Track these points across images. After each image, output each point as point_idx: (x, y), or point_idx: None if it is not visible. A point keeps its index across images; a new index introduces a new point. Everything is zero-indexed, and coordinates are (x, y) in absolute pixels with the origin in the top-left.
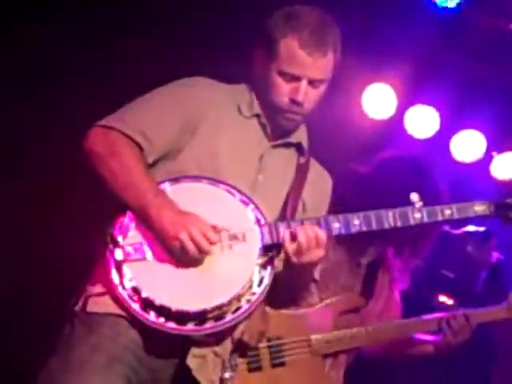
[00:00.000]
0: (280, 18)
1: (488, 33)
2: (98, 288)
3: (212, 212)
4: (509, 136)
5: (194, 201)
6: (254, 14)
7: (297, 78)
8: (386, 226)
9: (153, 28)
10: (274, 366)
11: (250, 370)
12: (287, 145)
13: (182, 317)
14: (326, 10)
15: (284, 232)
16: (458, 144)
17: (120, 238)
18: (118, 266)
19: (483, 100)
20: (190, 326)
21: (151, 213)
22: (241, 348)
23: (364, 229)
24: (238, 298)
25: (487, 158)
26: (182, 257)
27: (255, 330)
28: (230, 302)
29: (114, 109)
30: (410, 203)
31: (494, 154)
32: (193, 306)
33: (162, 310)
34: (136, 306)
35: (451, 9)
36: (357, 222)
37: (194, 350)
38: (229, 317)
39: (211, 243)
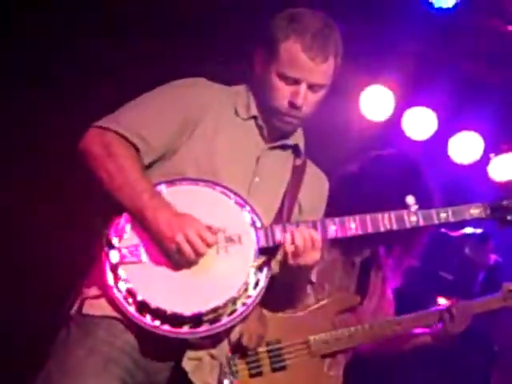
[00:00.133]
0: (282, 19)
1: (486, 34)
2: (93, 290)
3: (208, 214)
4: (506, 137)
5: (191, 203)
6: (254, 14)
7: (296, 82)
8: (382, 229)
9: (153, 28)
10: (275, 370)
11: (251, 376)
12: (284, 147)
13: (177, 319)
14: (324, 12)
15: (284, 234)
16: (456, 146)
17: (116, 240)
18: (114, 269)
19: (481, 101)
20: (186, 328)
21: (147, 214)
22: (239, 351)
23: (360, 232)
24: (234, 300)
25: (485, 160)
26: (178, 259)
27: (254, 333)
28: (225, 305)
29: (112, 109)
30: (405, 206)
31: (492, 155)
32: (188, 308)
33: (158, 313)
34: (131, 309)
35: (448, 10)
36: (353, 226)
37: (190, 353)
38: (224, 319)
39: (207, 245)
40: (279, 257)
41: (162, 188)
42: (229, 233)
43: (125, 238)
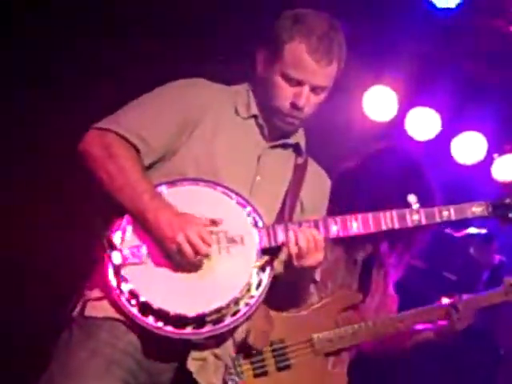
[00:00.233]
0: (287, 20)
1: (488, 34)
2: (95, 292)
3: (210, 215)
4: (510, 138)
5: (192, 204)
6: (254, 14)
7: (300, 83)
8: (384, 228)
9: (153, 28)
10: (280, 369)
11: (256, 376)
12: (285, 145)
13: (180, 320)
14: (328, 12)
15: (289, 234)
16: (459, 146)
17: (117, 242)
18: (116, 270)
19: (484, 102)
20: (189, 329)
21: (148, 215)
22: (245, 350)
23: (362, 231)
24: (237, 301)
25: (488, 160)
26: (180, 259)
27: (259, 331)
28: (228, 306)
29: (112, 109)
30: (407, 204)
31: (495, 155)
32: (191, 309)
33: (161, 314)
34: (134, 310)
35: (451, 10)
36: (355, 225)
37: (194, 353)
38: (228, 320)
39: (208, 245)
40: (283, 257)
41: (163, 189)
42: (231, 233)
43: (126, 240)
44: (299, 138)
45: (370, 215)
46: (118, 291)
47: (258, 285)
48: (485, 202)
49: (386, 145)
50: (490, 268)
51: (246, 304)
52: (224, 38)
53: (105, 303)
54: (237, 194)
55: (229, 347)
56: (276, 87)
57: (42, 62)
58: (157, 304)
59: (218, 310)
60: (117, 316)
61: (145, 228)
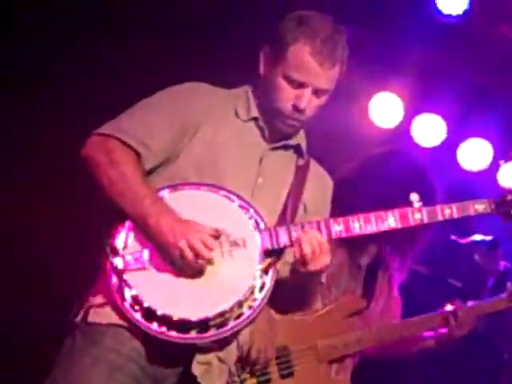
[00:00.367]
0: (292, 21)
1: (494, 41)
2: (98, 299)
3: (212, 219)
4: None
5: (194, 208)
6: (254, 14)
7: (302, 85)
8: (386, 227)
9: (153, 28)
10: (283, 377)
11: (259, 383)
12: (286, 147)
13: (184, 325)
14: (334, 18)
15: (291, 239)
16: (465, 152)
17: (119, 247)
18: (119, 276)
19: (490, 108)
20: (193, 333)
21: (149, 220)
22: (248, 365)
23: (364, 231)
24: (240, 304)
25: (494, 167)
26: (182, 264)
27: (262, 344)
28: (231, 309)
29: (112, 110)
30: (409, 203)
31: (501, 162)
32: (195, 314)
33: (164, 319)
34: (138, 316)
35: (457, 16)
36: (357, 225)
37: (199, 357)
38: (231, 323)
39: (211, 250)
40: (288, 259)
41: (165, 193)
42: (233, 237)
43: (129, 245)
44: (300, 139)
45: (372, 215)
46: (121, 297)
47: (261, 287)
48: (487, 200)
49: (391, 147)
50: (496, 275)
51: (250, 307)
52: (224, 38)
53: (108, 309)
54: (238, 196)
55: (232, 350)
56: (278, 89)
57: (42, 61)
58: (160, 309)
59: (222, 314)
60: (120, 322)
61: (146, 233)
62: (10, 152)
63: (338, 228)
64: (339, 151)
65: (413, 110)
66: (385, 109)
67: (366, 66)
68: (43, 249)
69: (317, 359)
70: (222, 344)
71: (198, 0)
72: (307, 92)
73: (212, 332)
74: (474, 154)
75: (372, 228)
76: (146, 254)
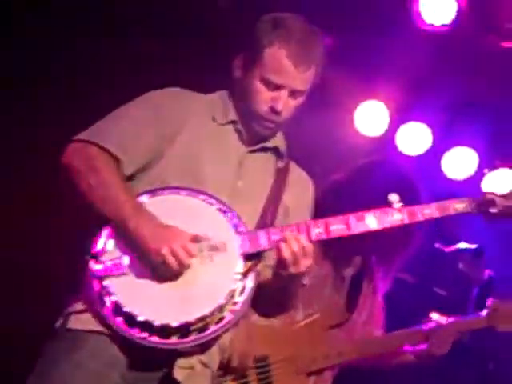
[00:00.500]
0: (267, 24)
1: (481, 50)
2: (79, 305)
3: (191, 223)
4: (500, 153)
5: (173, 213)
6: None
7: (278, 87)
8: (368, 228)
9: (153, 28)
10: None
11: None
12: (264, 149)
13: (165, 331)
14: (320, 27)
15: (274, 245)
16: (450, 161)
17: (99, 253)
18: (99, 282)
19: (475, 117)
20: (174, 339)
21: (130, 226)
22: (230, 372)
23: (345, 232)
24: (221, 308)
25: (479, 175)
26: (163, 270)
27: (242, 352)
28: (212, 314)
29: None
30: (389, 204)
31: (486, 170)
32: (175, 319)
33: (145, 325)
34: (118, 322)
35: (444, 26)
36: (337, 227)
37: (181, 362)
38: (212, 328)
39: (192, 257)
40: (269, 262)
41: (144, 198)
42: (213, 241)
43: (109, 251)
44: (278, 141)
45: (350, 216)
46: (101, 303)
47: (242, 291)
48: (467, 199)
49: (375, 158)
50: (480, 283)
51: (230, 311)
52: (224, 38)
53: (88, 316)
54: (218, 200)
55: (214, 354)
56: (255, 91)
57: (42, 62)
58: (141, 315)
59: (203, 319)
60: (101, 329)
61: (127, 239)
62: (10, 152)
63: (317, 230)
64: (324, 159)
65: (398, 119)
66: (370, 117)
67: (352, 74)
68: (43, 249)
69: (295, 371)
70: (203, 348)
71: (198, 0)
72: (284, 94)
73: (193, 337)
74: (459, 162)
75: (352, 229)
76: (125, 259)
